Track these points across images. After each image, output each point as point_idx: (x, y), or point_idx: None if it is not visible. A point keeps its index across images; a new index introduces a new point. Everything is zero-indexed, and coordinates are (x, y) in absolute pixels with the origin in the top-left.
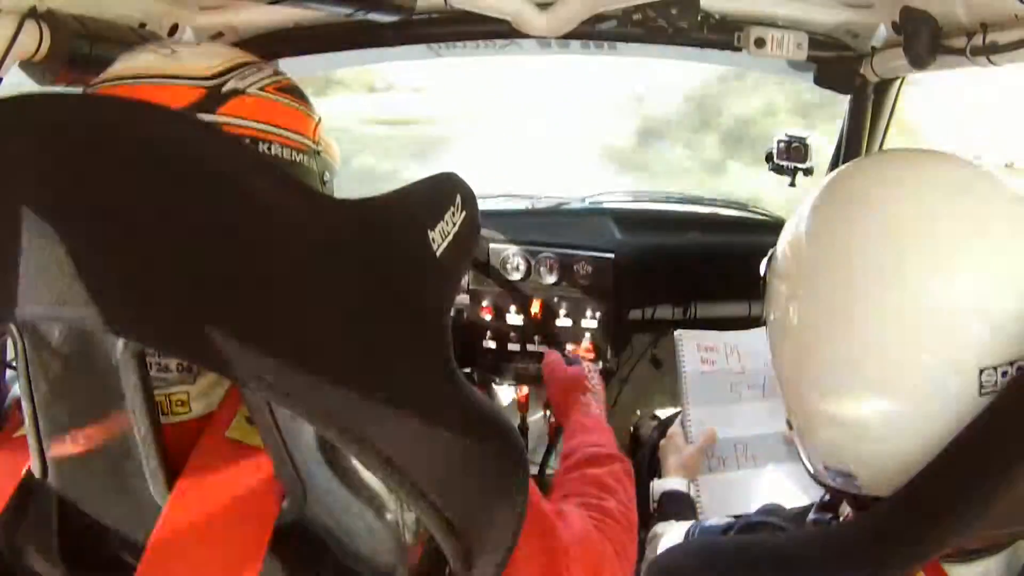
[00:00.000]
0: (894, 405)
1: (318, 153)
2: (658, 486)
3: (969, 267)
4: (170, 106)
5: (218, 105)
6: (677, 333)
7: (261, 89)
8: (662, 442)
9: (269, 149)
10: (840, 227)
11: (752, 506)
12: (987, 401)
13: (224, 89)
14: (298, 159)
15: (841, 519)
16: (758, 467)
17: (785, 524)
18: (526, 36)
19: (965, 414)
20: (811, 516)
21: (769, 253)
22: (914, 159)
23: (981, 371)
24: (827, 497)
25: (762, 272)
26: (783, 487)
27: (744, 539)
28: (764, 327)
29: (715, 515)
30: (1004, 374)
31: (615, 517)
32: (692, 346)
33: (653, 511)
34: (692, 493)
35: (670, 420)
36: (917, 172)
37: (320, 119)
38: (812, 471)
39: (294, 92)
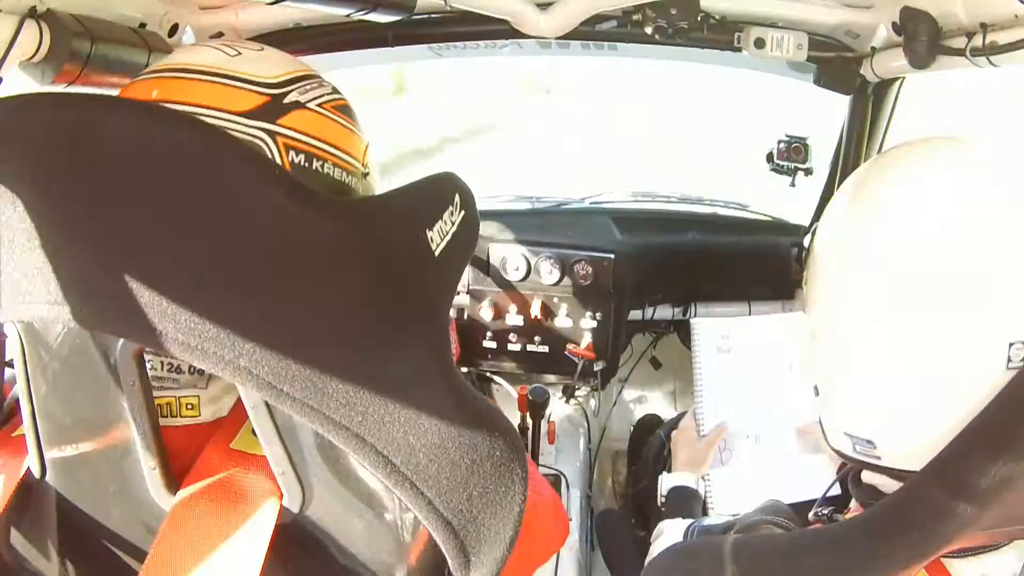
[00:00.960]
0: (921, 374)
1: (365, 176)
2: (666, 481)
3: (1000, 245)
4: (231, 108)
5: (279, 115)
6: (694, 321)
7: (320, 106)
8: (673, 434)
9: (322, 167)
10: (874, 215)
11: (762, 500)
12: (1012, 375)
13: (287, 100)
14: (347, 180)
15: (846, 515)
16: (770, 460)
17: (785, 522)
18: (526, 36)
19: (990, 387)
20: (813, 511)
21: (810, 233)
22: (936, 149)
23: (1010, 345)
24: (831, 492)
25: (805, 246)
26: (795, 481)
27: (742, 538)
28: (780, 314)
29: (726, 509)
30: None
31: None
32: (708, 334)
33: (660, 506)
34: (701, 489)
35: (681, 416)
36: (948, 159)
37: (369, 143)
38: (832, 443)
39: (349, 113)
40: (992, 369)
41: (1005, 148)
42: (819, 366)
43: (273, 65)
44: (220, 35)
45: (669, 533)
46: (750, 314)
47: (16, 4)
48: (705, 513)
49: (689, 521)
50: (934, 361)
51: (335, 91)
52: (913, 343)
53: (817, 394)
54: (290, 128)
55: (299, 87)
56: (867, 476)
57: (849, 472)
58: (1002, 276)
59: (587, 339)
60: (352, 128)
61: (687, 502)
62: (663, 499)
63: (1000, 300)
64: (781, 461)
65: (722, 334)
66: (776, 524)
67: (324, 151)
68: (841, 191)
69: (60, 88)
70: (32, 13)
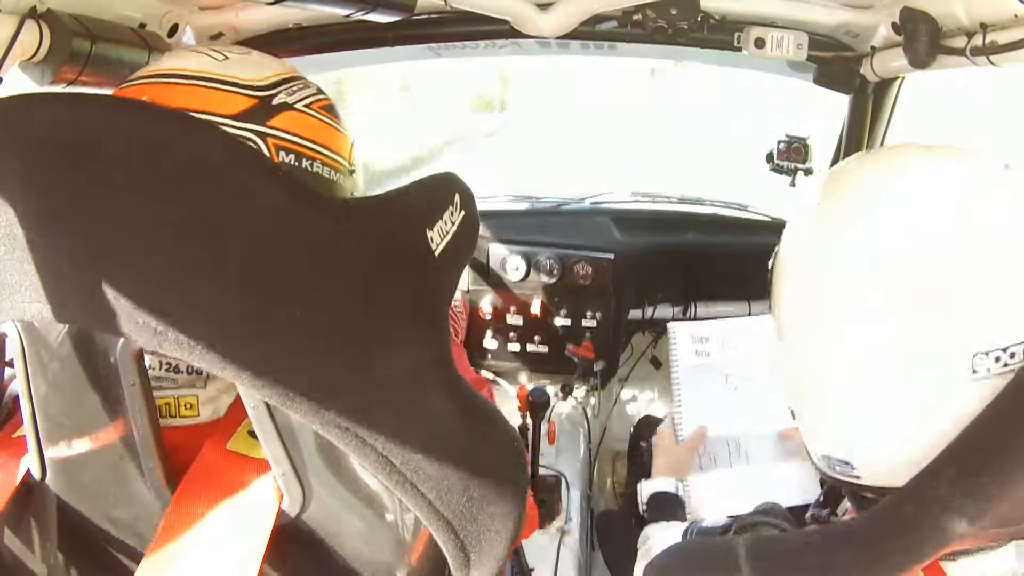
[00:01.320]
0: (890, 390)
1: (351, 173)
2: (646, 487)
3: (961, 257)
4: (221, 111)
5: (268, 117)
6: (670, 325)
7: (307, 106)
8: (652, 440)
9: (311, 166)
10: (839, 224)
11: (742, 506)
12: (981, 387)
13: (275, 102)
14: (335, 178)
15: (840, 516)
16: (750, 465)
17: (784, 524)
18: (526, 36)
19: (961, 398)
20: (810, 513)
21: (776, 250)
22: (902, 156)
23: (973, 355)
24: (822, 497)
25: (770, 266)
26: (774, 486)
27: (755, 537)
28: (758, 316)
29: (704, 515)
30: (996, 359)
31: None
32: (686, 338)
33: (642, 513)
34: (681, 493)
35: (659, 420)
36: (909, 170)
37: (353, 141)
38: (814, 460)
39: (334, 112)
40: (958, 381)
41: (970, 157)
42: (789, 387)
43: (260, 68)
44: (220, 35)
45: (661, 536)
46: (750, 313)
47: (16, 4)
48: (684, 519)
49: (686, 523)
50: (901, 376)
51: (320, 91)
52: (878, 358)
53: (794, 417)
54: (279, 129)
55: (286, 88)
56: None
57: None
58: (960, 287)
59: (587, 339)
60: (338, 127)
61: (670, 507)
62: (644, 506)
63: (959, 311)
64: (761, 467)
65: (700, 337)
66: (775, 526)
67: (313, 150)
68: (812, 199)
69: (60, 88)
70: (32, 13)
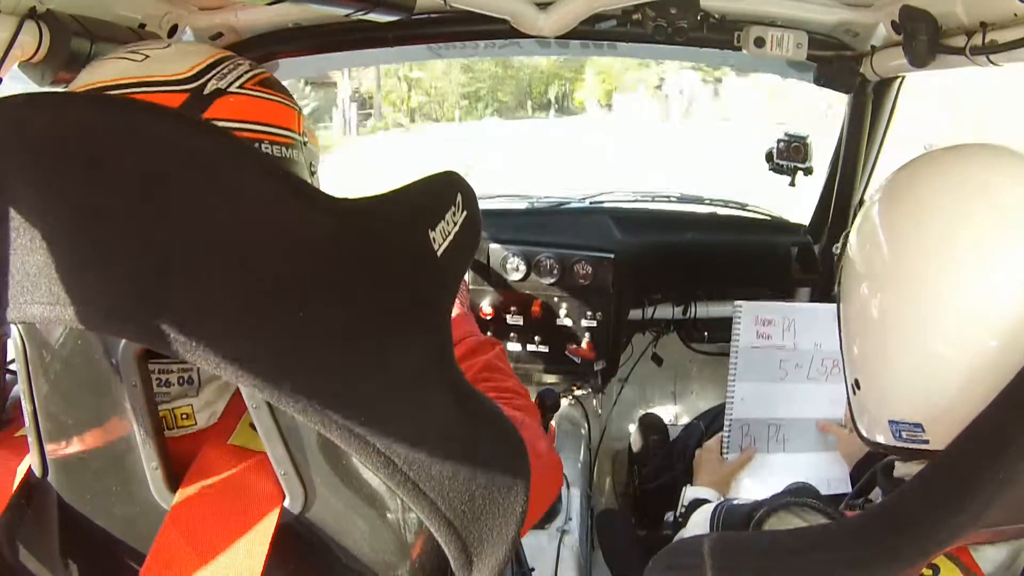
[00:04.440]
0: (964, 356)
1: (304, 144)
2: (690, 492)
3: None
4: None
5: (203, 108)
6: (737, 303)
7: (242, 86)
8: (697, 452)
9: (259, 147)
10: (916, 211)
11: (773, 490)
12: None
13: (207, 91)
14: (287, 154)
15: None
16: (787, 452)
17: (815, 503)
18: (525, 36)
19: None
20: (845, 503)
21: (844, 234)
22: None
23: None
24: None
25: (840, 243)
26: (806, 474)
27: (721, 535)
28: (823, 303)
29: (741, 496)
30: None
31: (515, 391)
32: (751, 319)
33: (679, 516)
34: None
35: (709, 415)
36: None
37: (301, 109)
38: (872, 435)
39: (273, 85)
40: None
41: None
42: (859, 358)
43: (183, 59)
44: (219, 36)
45: (696, 518)
46: None
47: (16, 4)
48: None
49: (716, 503)
50: (961, 338)
51: (252, 66)
52: (942, 323)
53: (857, 388)
54: (219, 119)
55: (215, 73)
56: (899, 470)
57: (882, 466)
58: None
59: (587, 339)
60: (280, 99)
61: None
62: (683, 508)
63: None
64: (797, 455)
65: (765, 319)
66: (808, 505)
67: (260, 132)
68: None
69: (60, 89)
70: (32, 14)
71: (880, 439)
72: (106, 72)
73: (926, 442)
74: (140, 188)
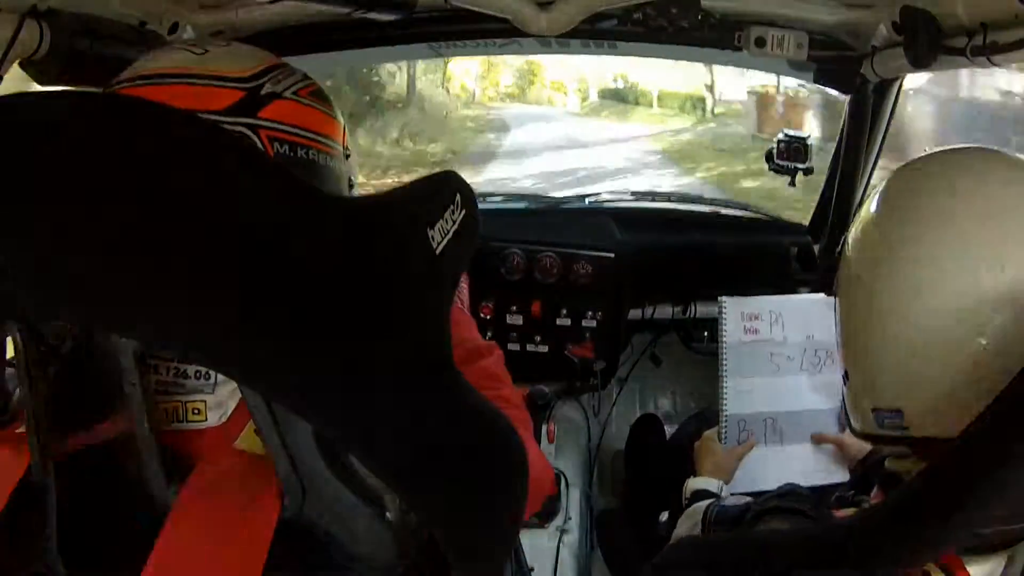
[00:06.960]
0: (947, 347)
1: (347, 157)
2: (691, 484)
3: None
4: (210, 107)
5: (259, 108)
6: (721, 299)
7: (296, 93)
8: (696, 443)
9: (307, 154)
10: (910, 210)
11: (771, 483)
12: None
13: (263, 92)
14: (331, 164)
15: (872, 500)
16: (784, 444)
17: (798, 507)
18: (526, 35)
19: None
20: (837, 495)
21: (845, 234)
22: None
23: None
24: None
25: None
26: (804, 466)
27: (749, 534)
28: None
29: (738, 489)
30: None
31: (511, 400)
32: (736, 314)
33: (684, 507)
34: (723, 494)
35: (702, 416)
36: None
37: (345, 124)
38: (861, 427)
39: (323, 97)
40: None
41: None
42: (848, 349)
43: (243, 59)
44: (220, 33)
45: (688, 514)
46: None
47: (17, 3)
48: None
49: (708, 501)
50: (932, 326)
51: (306, 77)
52: (949, 303)
53: (847, 380)
54: (271, 120)
55: (271, 77)
56: (891, 465)
57: (875, 460)
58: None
59: (587, 339)
60: (328, 112)
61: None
62: (687, 501)
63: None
64: (794, 447)
65: (751, 314)
66: (790, 510)
67: (306, 138)
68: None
69: (60, 87)
70: (33, 12)
71: (868, 431)
72: (167, 61)
73: (906, 428)
74: (138, 186)
